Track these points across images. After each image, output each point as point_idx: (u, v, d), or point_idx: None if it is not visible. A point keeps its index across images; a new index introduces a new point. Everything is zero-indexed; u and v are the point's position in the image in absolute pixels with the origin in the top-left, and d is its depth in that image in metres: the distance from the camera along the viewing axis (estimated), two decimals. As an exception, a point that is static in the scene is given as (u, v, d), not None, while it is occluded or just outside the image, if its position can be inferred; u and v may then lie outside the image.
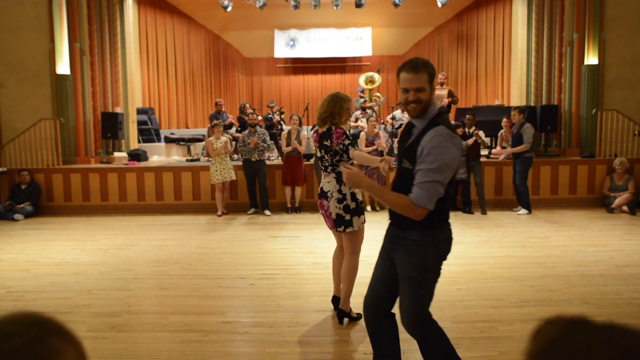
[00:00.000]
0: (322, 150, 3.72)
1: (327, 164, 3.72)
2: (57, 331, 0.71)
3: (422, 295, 2.43)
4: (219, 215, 8.28)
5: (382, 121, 11.43)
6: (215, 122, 8.67)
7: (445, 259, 2.43)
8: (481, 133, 8.35)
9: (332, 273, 4.02)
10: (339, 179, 3.66)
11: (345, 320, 3.76)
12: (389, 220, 2.52)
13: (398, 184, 2.41)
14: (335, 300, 3.92)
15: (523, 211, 7.99)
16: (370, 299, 2.63)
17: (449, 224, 2.44)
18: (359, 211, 3.63)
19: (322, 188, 3.76)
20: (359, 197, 3.68)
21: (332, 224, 3.71)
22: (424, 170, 2.20)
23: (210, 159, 8.48)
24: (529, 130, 7.71)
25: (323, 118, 3.71)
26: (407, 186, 2.29)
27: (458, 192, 8.33)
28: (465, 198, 8.17)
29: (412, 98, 2.32)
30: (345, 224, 3.60)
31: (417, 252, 2.35)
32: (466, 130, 8.26)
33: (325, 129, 3.73)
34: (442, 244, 2.38)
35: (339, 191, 3.62)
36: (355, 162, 3.73)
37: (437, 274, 2.42)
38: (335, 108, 3.66)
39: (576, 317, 0.69)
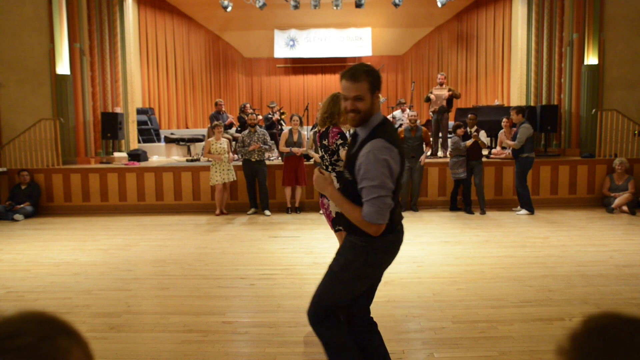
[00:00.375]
0: (322, 150, 3.77)
1: (327, 162, 3.78)
2: (65, 331, 0.72)
3: (331, 289, 2.42)
4: (217, 215, 8.28)
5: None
6: (215, 122, 8.67)
7: (378, 267, 2.40)
8: (483, 133, 8.33)
9: None
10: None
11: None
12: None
13: (343, 193, 2.40)
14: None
15: (523, 211, 7.98)
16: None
17: (396, 234, 2.39)
18: None
19: None
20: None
21: (331, 223, 3.72)
22: (368, 188, 2.19)
23: (210, 159, 8.48)
24: (523, 131, 7.68)
25: (323, 118, 3.77)
26: (349, 196, 2.30)
27: (459, 192, 8.33)
28: (465, 198, 8.17)
29: (350, 107, 2.29)
30: None
31: (346, 251, 2.38)
32: (468, 129, 8.24)
33: (324, 129, 3.78)
34: (377, 252, 2.34)
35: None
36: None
37: (359, 279, 2.39)
38: (335, 108, 3.71)
39: (634, 317, 0.69)
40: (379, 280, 2.60)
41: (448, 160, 8.36)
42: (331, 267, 2.43)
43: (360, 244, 2.32)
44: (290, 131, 8.19)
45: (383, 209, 2.19)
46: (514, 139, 7.92)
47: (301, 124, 8.28)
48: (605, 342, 0.66)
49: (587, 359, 0.66)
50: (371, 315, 2.64)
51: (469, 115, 8.58)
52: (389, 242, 2.36)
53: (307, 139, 8.53)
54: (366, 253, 2.32)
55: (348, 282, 2.39)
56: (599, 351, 0.65)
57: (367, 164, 2.19)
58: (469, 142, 7.98)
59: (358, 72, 2.27)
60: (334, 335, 2.45)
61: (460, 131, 8.06)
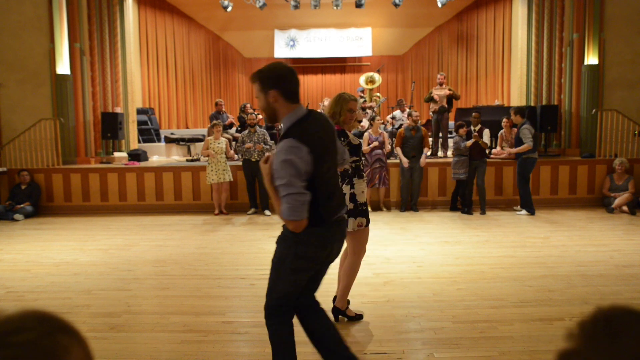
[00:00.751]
0: None
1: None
2: (66, 329, 0.73)
3: (275, 282, 2.50)
4: (216, 214, 8.29)
5: (382, 121, 11.43)
6: (214, 122, 8.68)
7: (312, 260, 2.44)
8: (487, 132, 8.27)
9: (338, 274, 4.00)
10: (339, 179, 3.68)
11: (341, 318, 3.76)
12: None
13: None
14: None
15: (523, 211, 7.96)
16: None
17: (326, 228, 2.43)
18: (357, 213, 3.61)
19: None
20: (361, 199, 3.67)
21: None
22: (280, 186, 2.27)
23: (206, 158, 8.50)
24: (526, 132, 7.64)
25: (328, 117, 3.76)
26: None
27: (458, 192, 8.32)
28: (466, 198, 8.16)
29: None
30: None
31: (281, 243, 2.50)
32: (472, 128, 8.21)
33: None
34: (306, 245, 2.40)
35: None
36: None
37: (296, 271, 2.45)
38: (337, 108, 3.71)
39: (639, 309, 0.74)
40: (322, 272, 2.63)
41: (448, 160, 8.35)
42: (272, 260, 2.53)
43: (290, 236, 2.41)
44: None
45: (295, 205, 2.24)
46: (516, 142, 7.87)
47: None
48: (609, 329, 0.71)
49: (592, 343, 0.71)
50: (317, 300, 2.69)
51: (473, 114, 8.53)
52: (318, 235, 2.41)
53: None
54: (295, 246, 2.40)
55: (287, 274, 2.46)
56: (603, 336, 0.71)
57: (276, 163, 2.27)
58: (469, 143, 7.96)
59: (253, 75, 2.36)
60: (279, 332, 2.53)
61: (462, 131, 8.04)
